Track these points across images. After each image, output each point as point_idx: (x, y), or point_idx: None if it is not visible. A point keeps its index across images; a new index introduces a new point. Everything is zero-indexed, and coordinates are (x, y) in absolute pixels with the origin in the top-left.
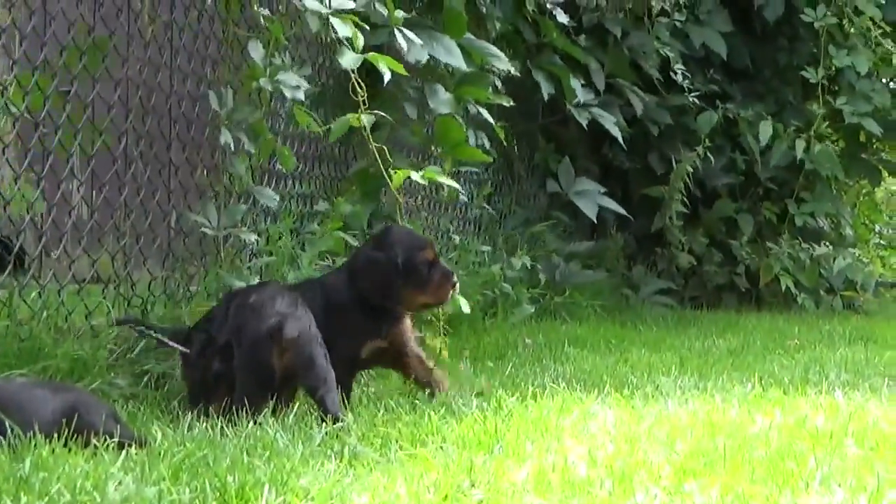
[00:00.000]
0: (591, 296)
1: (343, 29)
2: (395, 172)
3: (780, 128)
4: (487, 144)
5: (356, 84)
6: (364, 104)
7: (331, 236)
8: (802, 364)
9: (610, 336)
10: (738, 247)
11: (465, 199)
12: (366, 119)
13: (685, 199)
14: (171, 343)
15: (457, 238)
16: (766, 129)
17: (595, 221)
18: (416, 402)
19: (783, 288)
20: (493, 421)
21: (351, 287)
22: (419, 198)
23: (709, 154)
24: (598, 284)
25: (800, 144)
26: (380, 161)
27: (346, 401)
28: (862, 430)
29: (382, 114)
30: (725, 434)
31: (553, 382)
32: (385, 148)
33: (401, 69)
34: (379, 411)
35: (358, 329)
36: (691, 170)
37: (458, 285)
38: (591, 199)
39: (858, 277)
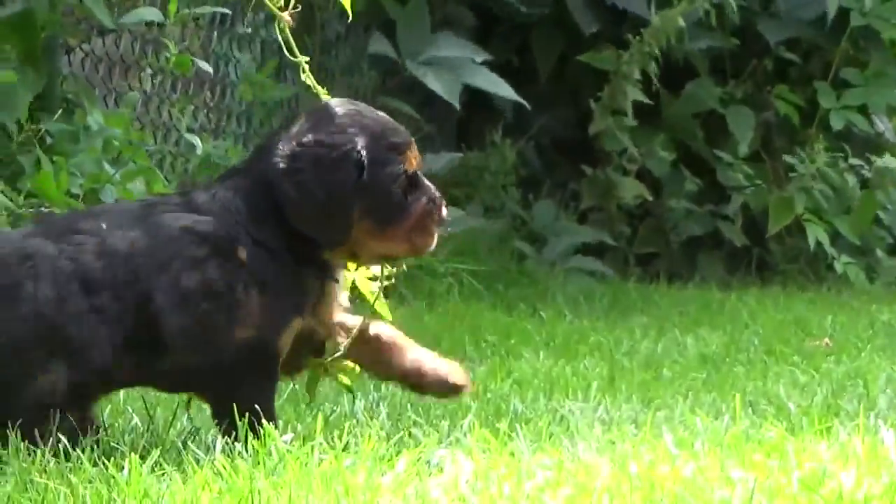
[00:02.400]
0: (455, 254)
1: None
2: None
3: None
4: None
5: None
6: None
7: None
8: (831, 381)
9: (486, 328)
10: (729, 166)
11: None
12: None
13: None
14: None
15: (197, 142)
16: None
17: (459, 114)
18: (113, 441)
19: (810, 244)
20: (249, 478)
21: (265, 212)
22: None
23: None
24: (468, 235)
25: None
26: None
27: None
28: None
29: None
30: (674, 502)
31: (369, 411)
32: None
33: None
34: (34, 457)
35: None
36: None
37: (443, 221)
38: (455, 72)
39: None
